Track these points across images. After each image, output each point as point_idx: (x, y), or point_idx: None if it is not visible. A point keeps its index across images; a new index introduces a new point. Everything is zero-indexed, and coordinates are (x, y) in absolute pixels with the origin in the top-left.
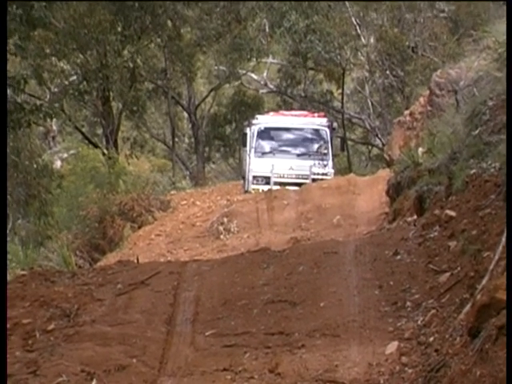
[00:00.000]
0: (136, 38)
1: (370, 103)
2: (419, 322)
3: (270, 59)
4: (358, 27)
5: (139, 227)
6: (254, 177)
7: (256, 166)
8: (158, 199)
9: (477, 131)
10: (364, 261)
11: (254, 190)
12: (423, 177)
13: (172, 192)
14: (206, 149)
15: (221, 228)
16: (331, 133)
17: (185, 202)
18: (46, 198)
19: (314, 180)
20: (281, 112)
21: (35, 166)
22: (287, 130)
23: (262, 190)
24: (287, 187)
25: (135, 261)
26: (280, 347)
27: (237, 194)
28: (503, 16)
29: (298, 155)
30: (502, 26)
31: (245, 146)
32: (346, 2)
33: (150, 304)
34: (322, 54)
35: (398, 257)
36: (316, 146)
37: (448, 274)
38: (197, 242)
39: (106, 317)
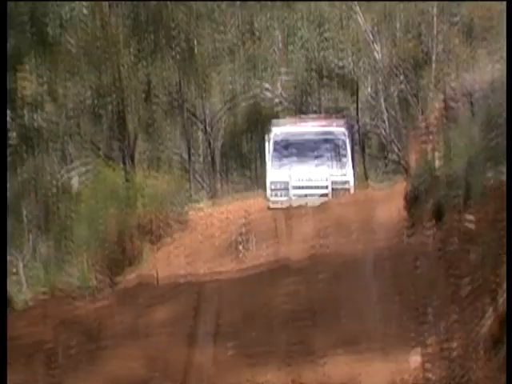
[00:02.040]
0: (149, 53)
1: (385, 115)
2: (441, 333)
3: (285, 76)
4: (371, 38)
5: (158, 245)
6: (273, 189)
7: (273, 176)
8: (176, 216)
9: (494, 142)
10: (384, 273)
11: (272, 201)
12: (441, 188)
13: (190, 209)
14: (223, 165)
15: (239, 243)
16: (350, 135)
17: (203, 218)
18: (65, 222)
19: (333, 188)
20: (298, 116)
21: (54, 183)
22: (304, 137)
23: (281, 203)
24: (307, 196)
25: (155, 279)
26: (302, 358)
27: (255, 210)
28: None
29: (317, 163)
30: None
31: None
32: (359, 13)
33: (171, 320)
34: (336, 68)
35: (418, 269)
36: (334, 152)
37: (469, 287)
38: (216, 258)
39: (128, 334)
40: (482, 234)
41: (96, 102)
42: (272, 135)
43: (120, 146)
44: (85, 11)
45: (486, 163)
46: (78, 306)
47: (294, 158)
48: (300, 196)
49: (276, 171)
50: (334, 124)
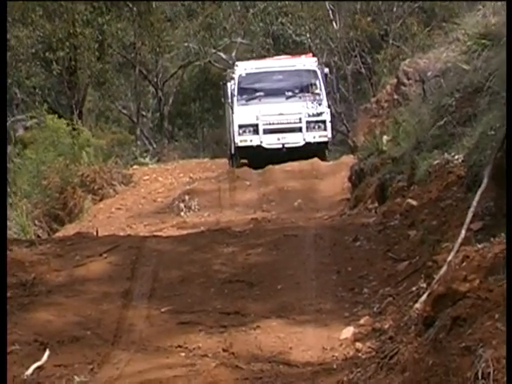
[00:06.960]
0: (106, 9)
1: (336, 88)
2: (375, 309)
3: (240, 39)
4: (331, 12)
5: (100, 200)
6: (241, 126)
7: (241, 114)
8: (120, 173)
9: (442, 122)
10: (323, 245)
11: (241, 141)
12: (386, 165)
13: (134, 166)
14: (170, 126)
15: (182, 205)
16: (322, 73)
17: (147, 177)
18: (7, 166)
19: (308, 123)
20: (263, 59)
21: None
22: (273, 73)
23: (250, 141)
24: (279, 134)
25: (94, 233)
26: (235, 327)
27: (199, 172)
28: (474, 10)
29: (288, 98)
30: (472, 19)
31: (227, 98)
32: None
33: (108, 277)
34: (293, 37)
35: (358, 243)
36: (306, 86)
37: (406, 263)
38: (157, 218)
39: (63, 287)
40: (423, 212)
41: (48, 54)
42: (237, 71)
43: (69, 101)
44: None
45: (433, 145)
46: (13, 252)
47: (263, 94)
48: (272, 133)
49: (243, 109)
50: (305, 59)
